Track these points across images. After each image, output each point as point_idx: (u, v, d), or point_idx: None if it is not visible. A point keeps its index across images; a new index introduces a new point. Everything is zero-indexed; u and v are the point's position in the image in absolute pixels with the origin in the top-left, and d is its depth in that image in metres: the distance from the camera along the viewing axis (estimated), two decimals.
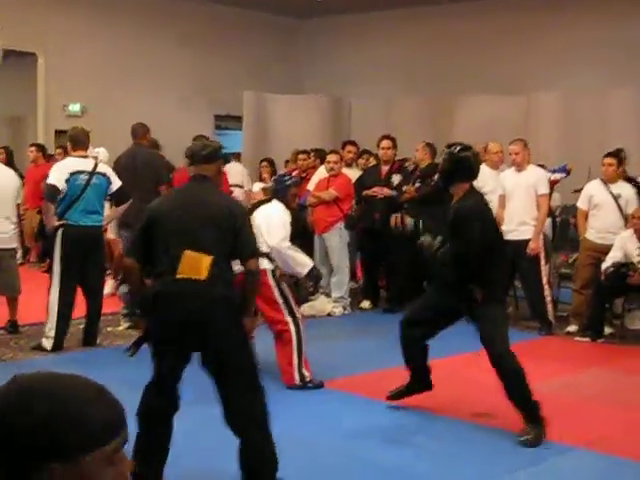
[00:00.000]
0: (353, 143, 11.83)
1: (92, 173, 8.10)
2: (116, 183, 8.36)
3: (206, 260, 4.59)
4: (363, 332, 9.27)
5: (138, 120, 10.41)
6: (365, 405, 6.63)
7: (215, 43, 18.59)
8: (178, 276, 4.59)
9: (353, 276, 11.42)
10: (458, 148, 6.14)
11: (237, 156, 15.44)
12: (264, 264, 6.69)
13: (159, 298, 4.69)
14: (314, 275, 7.54)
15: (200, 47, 18.28)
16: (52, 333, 8.00)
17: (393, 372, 7.56)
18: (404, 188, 10.29)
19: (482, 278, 5.93)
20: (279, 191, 7.32)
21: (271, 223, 7.03)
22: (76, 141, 8.30)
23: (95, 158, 10.27)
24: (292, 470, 4.97)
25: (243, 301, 4.83)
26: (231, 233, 4.71)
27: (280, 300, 7.04)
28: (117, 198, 8.51)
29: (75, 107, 16.62)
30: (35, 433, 1.44)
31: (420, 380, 6.48)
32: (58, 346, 8.02)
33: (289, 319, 7.03)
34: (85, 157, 8.27)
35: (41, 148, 14.09)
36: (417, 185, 10.24)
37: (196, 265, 4.59)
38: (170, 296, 4.64)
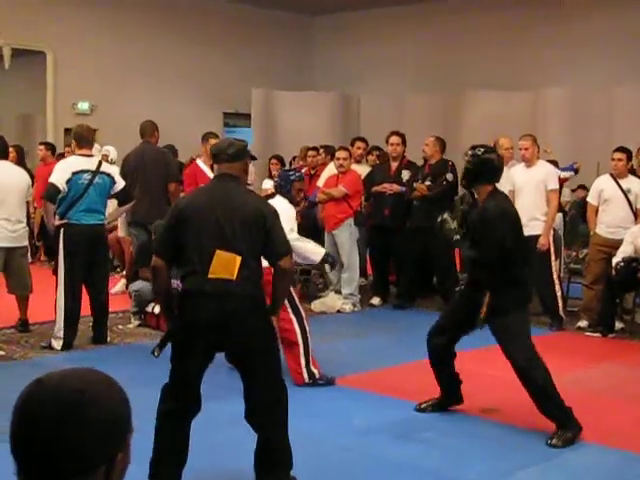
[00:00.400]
0: (362, 139, 11.82)
1: (96, 172, 8.08)
2: (120, 183, 8.35)
3: (237, 260, 4.57)
4: (373, 329, 9.27)
5: (147, 118, 10.44)
6: (375, 402, 6.62)
7: (224, 40, 18.59)
8: (210, 276, 4.57)
9: (363, 273, 11.42)
10: (482, 150, 6.15)
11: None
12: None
13: (189, 297, 4.67)
14: (329, 261, 7.56)
15: (209, 45, 18.28)
16: (61, 333, 8.01)
17: (403, 368, 7.58)
18: (414, 185, 10.27)
19: (504, 281, 5.85)
20: (283, 186, 7.31)
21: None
22: (81, 139, 8.29)
23: (105, 157, 10.31)
24: (303, 467, 4.97)
25: (272, 300, 4.82)
26: (261, 233, 4.66)
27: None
28: (120, 198, 8.51)
29: (84, 105, 16.65)
30: (113, 428, 1.59)
31: (450, 394, 6.43)
32: (67, 346, 8.02)
33: (293, 317, 6.97)
34: (89, 156, 8.25)
35: (50, 147, 14.11)
36: (428, 183, 10.20)
37: (227, 265, 4.57)
38: (201, 295, 4.59)
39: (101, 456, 1.57)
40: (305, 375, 7.01)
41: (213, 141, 9.43)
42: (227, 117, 19.13)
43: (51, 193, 7.96)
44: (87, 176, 8.01)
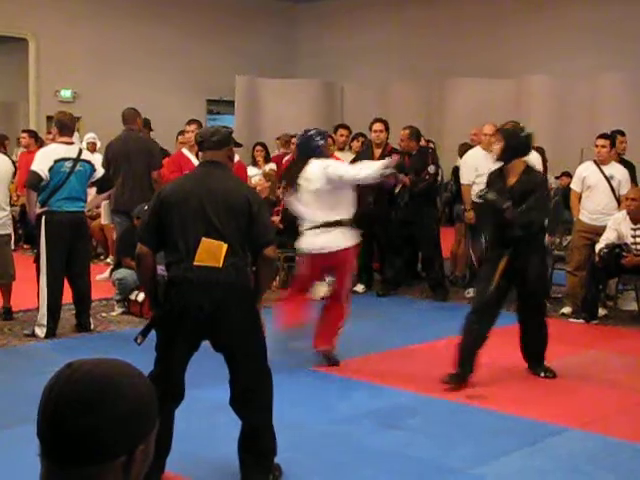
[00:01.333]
0: (346, 127, 11.81)
1: (77, 160, 8.05)
2: (99, 171, 8.33)
3: (223, 248, 4.56)
4: (357, 316, 9.23)
5: (130, 106, 10.38)
6: (359, 389, 6.63)
7: (208, 28, 18.54)
8: (195, 263, 4.56)
9: None
10: (520, 126, 6.90)
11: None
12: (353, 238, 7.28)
13: (175, 285, 4.65)
14: (397, 168, 7.89)
15: (193, 32, 18.23)
16: (44, 321, 7.98)
17: (388, 355, 7.60)
18: (400, 176, 10.23)
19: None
20: (314, 150, 7.31)
21: (334, 167, 7.19)
22: (63, 127, 8.22)
23: (93, 145, 10.28)
24: (286, 454, 4.97)
25: (255, 288, 4.79)
26: (247, 220, 4.64)
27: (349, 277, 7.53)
28: (100, 186, 8.47)
29: (67, 93, 16.58)
30: (137, 420, 1.61)
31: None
32: (51, 333, 8.00)
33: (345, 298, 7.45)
34: (70, 143, 8.20)
35: (33, 134, 14.06)
36: (410, 176, 10.17)
37: (213, 253, 4.56)
38: (187, 283, 4.58)
39: (122, 446, 1.58)
40: (334, 342, 7.33)
41: (191, 127, 9.44)
42: (211, 104, 19.08)
43: (34, 181, 7.92)
44: (68, 164, 7.98)
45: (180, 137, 11.47)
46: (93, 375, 1.60)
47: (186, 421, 5.04)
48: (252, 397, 4.76)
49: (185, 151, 9.61)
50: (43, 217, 7.96)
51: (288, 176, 8.17)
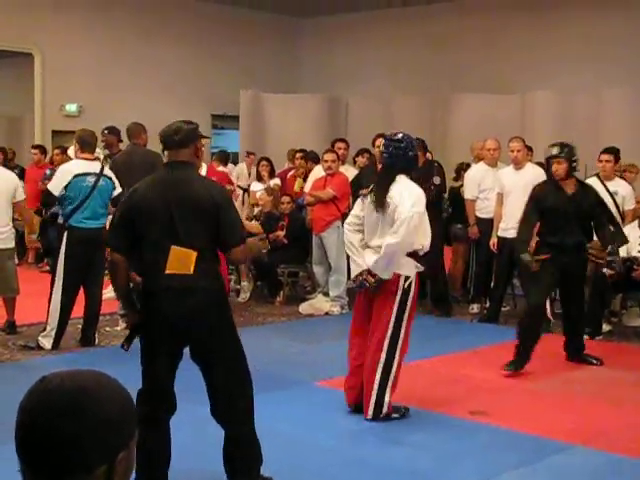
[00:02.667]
0: (343, 140, 11.83)
1: (99, 175, 8.16)
2: (118, 189, 8.40)
3: (192, 255, 4.52)
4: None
5: (135, 120, 10.40)
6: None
7: (212, 42, 18.58)
8: (167, 272, 4.53)
9: (350, 275, 11.40)
10: (569, 144, 7.80)
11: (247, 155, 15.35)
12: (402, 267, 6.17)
13: (149, 295, 4.65)
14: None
15: (197, 46, 18.27)
16: (52, 333, 8.05)
17: None
18: None
19: None
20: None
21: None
22: (84, 144, 8.35)
23: (103, 160, 10.37)
24: (287, 470, 4.98)
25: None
26: (215, 222, 4.58)
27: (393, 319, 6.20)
28: (115, 204, 8.49)
29: (72, 107, 16.61)
30: (116, 427, 1.61)
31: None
32: (56, 345, 8.05)
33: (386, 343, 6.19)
34: (92, 160, 8.32)
35: (43, 150, 14.18)
36: None
37: (184, 260, 4.52)
38: (160, 292, 4.57)
39: (102, 455, 1.59)
40: (370, 411, 6.16)
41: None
42: (215, 119, 19.11)
43: (48, 200, 8.12)
44: (91, 179, 8.12)
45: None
46: (67, 386, 1.60)
47: (178, 434, 5.06)
48: (232, 406, 4.71)
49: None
50: (65, 233, 8.07)
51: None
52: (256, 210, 12.30)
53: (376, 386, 6.09)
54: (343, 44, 19.19)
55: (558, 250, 7.72)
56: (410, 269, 6.15)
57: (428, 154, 10.56)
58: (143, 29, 17.59)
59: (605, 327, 9.26)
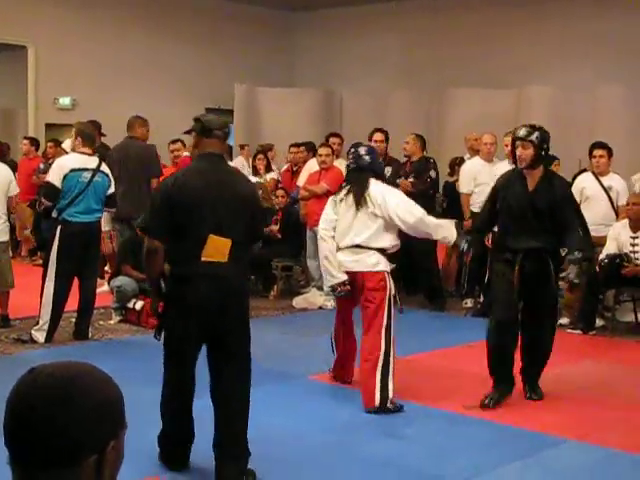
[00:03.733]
0: (337, 135, 11.83)
1: (96, 170, 8.12)
2: (112, 187, 8.36)
3: (228, 244, 4.68)
4: (355, 326, 9.25)
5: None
6: (356, 398, 6.61)
7: (207, 36, 18.54)
8: (203, 259, 4.67)
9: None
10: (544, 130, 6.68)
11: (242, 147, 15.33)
12: (384, 264, 6.51)
13: (184, 281, 4.75)
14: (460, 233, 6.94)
15: (192, 41, 18.23)
16: (45, 326, 8.02)
17: None
18: (398, 181, 10.22)
19: None
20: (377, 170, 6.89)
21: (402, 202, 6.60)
22: (86, 137, 8.30)
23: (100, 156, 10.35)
24: (282, 464, 4.98)
25: None
26: (249, 215, 4.81)
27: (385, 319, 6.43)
28: (108, 202, 8.43)
29: (65, 100, 16.57)
30: (105, 416, 1.62)
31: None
32: (49, 339, 8.03)
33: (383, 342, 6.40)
34: (91, 154, 8.27)
35: (34, 141, 14.11)
36: (411, 180, 10.18)
37: (220, 249, 4.68)
38: (197, 278, 4.70)
39: (91, 445, 1.59)
40: (377, 399, 6.26)
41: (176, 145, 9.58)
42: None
43: (49, 193, 8.05)
44: (87, 174, 8.06)
45: (172, 146, 11.56)
46: (56, 377, 1.61)
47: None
48: (235, 389, 4.86)
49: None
50: (59, 227, 8.02)
51: None
52: None
53: (379, 376, 6.24)
54: (338, 38, 19.16)
55: (514, 255, 6.47)
56: (387, 265, 6.52)
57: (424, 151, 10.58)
58: (137, 23, 17.54)
59: (598, 322, 9.28)
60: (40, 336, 8.02)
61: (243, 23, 19.14)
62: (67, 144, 12.99)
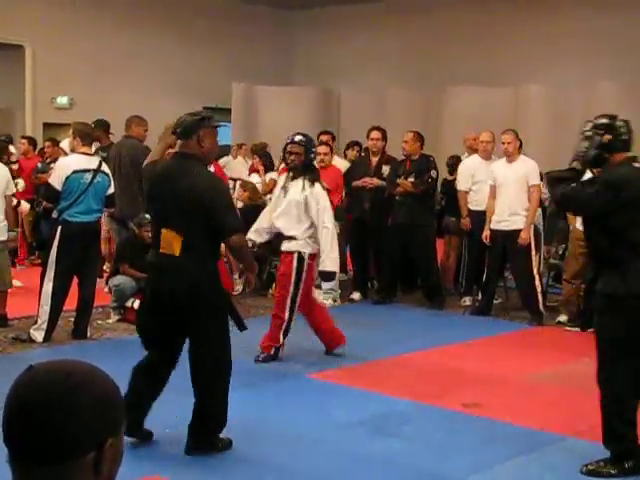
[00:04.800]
0: (327, 132, 11.82)
1: (97, 171, 8.11)
2: (112, 188, 8.35)
3: (177, 240, 4.94)
4: (353, 324, 9.25)
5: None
6: (354, 396, 6.62)
7: (204, 35, 18.53)
8: (161, 251, 5.03)
9: (343, 268, 11.40)
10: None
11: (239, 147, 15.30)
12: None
13: (149, 269, 5.36)
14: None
15: (189, 39, 18.22)
16: (44, 325, 8.01)
17: (383, 363, 7.60)
18: (398, 181, 10.19)
19: None
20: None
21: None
22: (84, 136, 8.27)
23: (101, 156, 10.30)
24: (279, 461, 4.97)
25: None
26: (205, 212, 4.93)
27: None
28: (107, 202, 8.43)
29: (63, 100, 16.56)
30: (103, 412, 1.61)
31: None
32: (48, 338, 8.03)
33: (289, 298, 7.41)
34: (91, 154, 8.27)
35: (32, 141, 14.09)
36: (412, 180, 10.14)
37: (170, 243, 4.96)
38: (154, 267, 5.17)
39: (90, 442, 1.59)
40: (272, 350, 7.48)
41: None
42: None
43: (50, 195, 8.08)
44: (88, 175, 8.04)
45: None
46: (54, 374, 1.62)
47: (176, 427, 5.05)
48: (204, 381, 5.10)
49: None
50: (59, 227, 8.01)
51: None
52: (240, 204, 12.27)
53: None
54: (336, 36, 19.16)
55: None
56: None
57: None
58: (135, 22, 17.54)
59: None
60: (39, 335, 8.01)
61: (241, 21, 19.13)
62: (65, 144, 12.98)
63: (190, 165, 5.00)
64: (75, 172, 7.98)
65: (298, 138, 7.42)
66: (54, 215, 8.11)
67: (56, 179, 8.04)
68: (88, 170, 8.04)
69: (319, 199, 7.30)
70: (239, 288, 10.91)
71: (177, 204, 4.94)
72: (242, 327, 5.22)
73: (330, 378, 7.09)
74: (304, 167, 7.38)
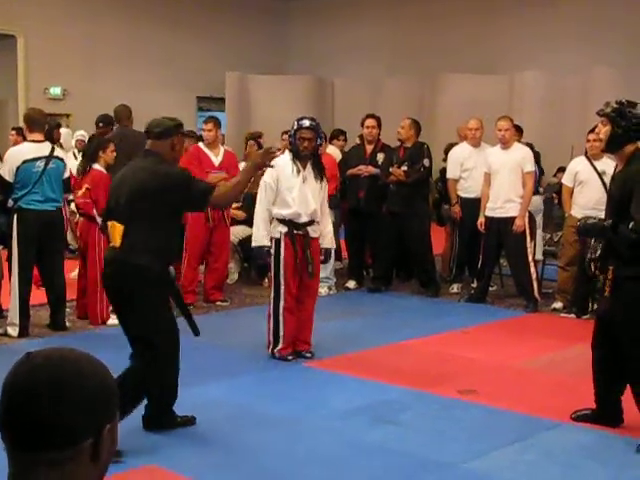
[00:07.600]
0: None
1: (49, 157, 7.92)
2: (66, 173, 8.17)
3: (119, 229, 5.03)
4: (349, 312, 9.26)
5: (120, 102, 10.34)
6: (351, 384, 6.62)
7: (198, 24, 18.49)
8: (110, 244, 5.24)
9: (338, 256, 11.39)
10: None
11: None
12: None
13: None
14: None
15: (183, 28, 18.19)
16: (16, 320, 7.86)
17: (379, 351, 7.59)
18: (391, 169, 10.17)
19: None
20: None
21: None
22: (32, 122, 8.08)
23: (81, 142, 10.07)
24: (277, 451, 4.96)
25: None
26: (152, 200, 4.99)
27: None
28: (64, 188, 8.26)
29: (56, 90, 16.52)
30: (101, 399, 1.62)
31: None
32: (24, 333, 7.89)
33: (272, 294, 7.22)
34: (41, 141, 8.02)
35: (22, 132, 13.98)
36: (404, 168, 10.11)
37: (114, 234, 5.08)
38: (105, 261, 5.34)
39: (89, 427, 1.60)
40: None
41: (208, 126, 9.64)
42: (201, 101, 19.03)
43: (0, 187, 7.86)
44: (40, 163, 7.84)
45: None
46: (52, 360, 1.62)
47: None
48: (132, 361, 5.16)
49: (202, 146, 9.70)
50: (15, 216, 7.84)
51: None
52: None
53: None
54: (330, 25, 19.14)
55: None
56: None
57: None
58: (128, 11, 17.49)
59: (592, 306, 9.26)
60: (13, 331, 7.86)
61: (235, 11, 19.09)
62: (64, 133, 12.96)
63: (157, 161, 5.16)
64: (25, 162, 7.79)
65: (308, 122, 7.27)
66: (9, 205, 7.89)
67: (6, 170, 7.84)
68: (39, 158, 7.85)
69: (325, 188, 7.37)
70: (234, 277, 10.90)
71: (126, 193, 5.07)
72: (196, 332, 5.28)
73: (327, 366, 7.09)
74: (312, 154, 7.26)
